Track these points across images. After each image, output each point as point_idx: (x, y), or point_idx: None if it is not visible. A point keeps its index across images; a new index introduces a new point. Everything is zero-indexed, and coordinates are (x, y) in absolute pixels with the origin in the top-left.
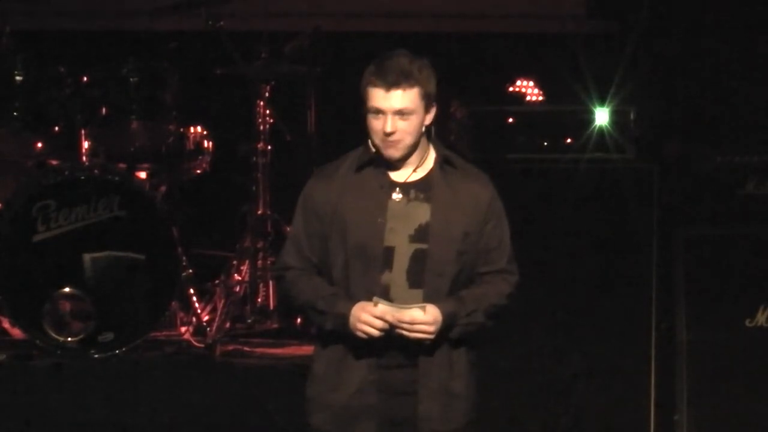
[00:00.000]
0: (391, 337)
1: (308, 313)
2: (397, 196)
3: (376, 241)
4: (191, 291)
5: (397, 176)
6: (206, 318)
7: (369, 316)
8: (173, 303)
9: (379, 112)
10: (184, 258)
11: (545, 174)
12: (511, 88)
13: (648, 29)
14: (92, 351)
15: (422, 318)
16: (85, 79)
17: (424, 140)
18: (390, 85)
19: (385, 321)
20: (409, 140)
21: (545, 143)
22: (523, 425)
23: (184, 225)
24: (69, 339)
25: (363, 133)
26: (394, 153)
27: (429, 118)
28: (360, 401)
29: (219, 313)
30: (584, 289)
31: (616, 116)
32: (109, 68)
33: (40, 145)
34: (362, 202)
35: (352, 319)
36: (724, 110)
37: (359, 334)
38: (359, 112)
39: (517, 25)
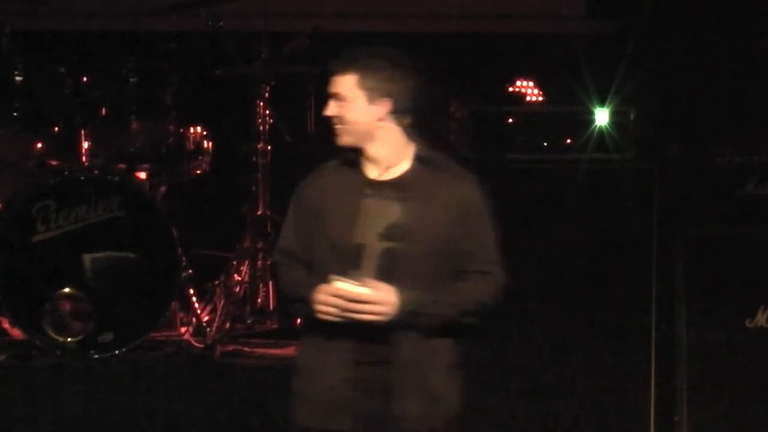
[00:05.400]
0: (368, 330)
1: (291, 304)
2: (371, 193)
3: (347, 238)
4: (191, 291)
5: (374, 174)
6: (206, 318)
7: (324, 295)
8: (173, 303)
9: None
10: (183, 258)
11: (545, 174)
12: (511, 88)
13: (648, 29)
14: (92, 351)
15: (369, 296)
16: (85, 79)
17: (398, 137)
18: (332, 69)
19: (338, 297)
20: (348, 127)
21: (545, 143)
22: (523, 425)
23: (184, 225)
24: (69, 339)
25: None
26: (339, 139)
27: (378, 112)
28: (336, 396)
29: (219, 313)
30: (584, 289)
31: (616, 116)
32: (109, 68)
33: (40, 145)
34: (339, 199)
35: (312, 301)
36: (724, 110)
37: (320, 315)
38: None
39: (517, 25)
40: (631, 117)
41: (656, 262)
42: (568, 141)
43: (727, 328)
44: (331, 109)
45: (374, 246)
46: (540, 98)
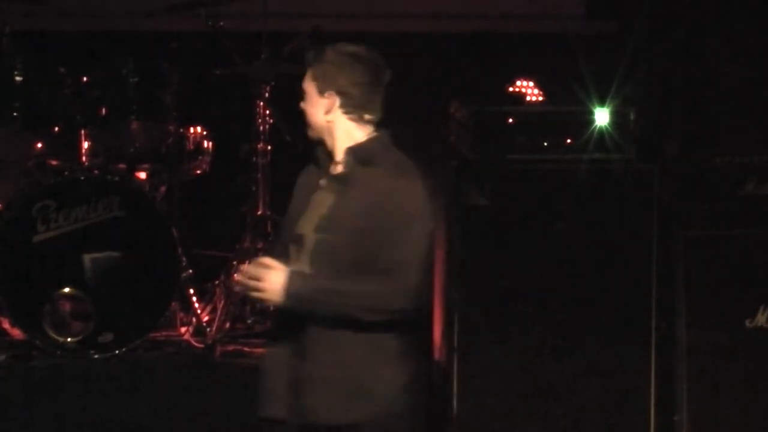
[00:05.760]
0: (300, 324)
1: None
2: (322, 187)
3: (293, 228)
4: (191, 291)
5: (330, 168)
6: (206, 318)
7: (238, 275)
8: (173, 303)
9: None
10: (184, 258)
11: (545, 175)
12: (511, 88)
13: (648, 29)
14: (92, 351)
15: (259, 275)
16: (85, 79)
17: (353, 133)
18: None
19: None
20: (308, 119)
21: (545, 143)
22: (523, 425)
23: (184, 225)
24: (69, 339)
25: None
26: (308, 132)
27: (327, 105)
28: (272, 387)
29: (219, 313)
30: (584, 289)
31: (616, 116)
32: (109, 68)
33: (40, 145)
34: (301, 191)
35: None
36: (723, 110)
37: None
38: None
39: (517, 25)
40: (631, 117)
41: (656, 262)
42: (568, 141)
43: (727, 328)
44: (302, 102)
45: (310, 237)
46: (540, 98)
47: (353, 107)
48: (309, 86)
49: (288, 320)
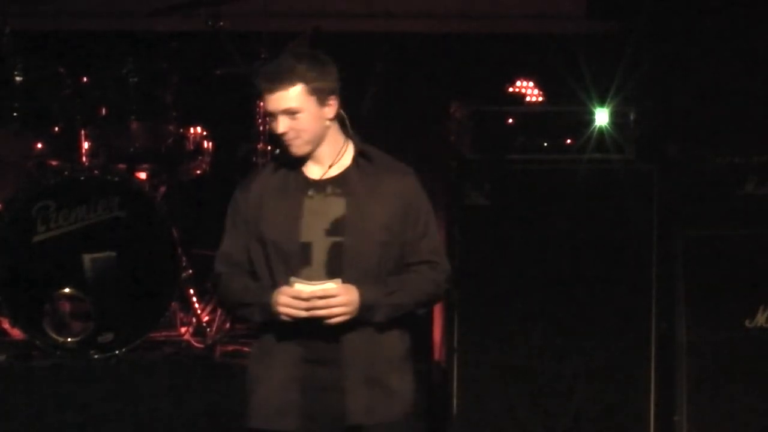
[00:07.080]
0: (317, 329)
1: (239, 310)
2: (313, 193)
3: (292, 237)
4: (191, 291)
5: (314, 173)
6: (206, 318)
7: (286, 297)
8: (173, 303)
9: (270, 114)
10: (184, 258)
11: (545, 174)
12: (511, 88)
13: (648, 29)
14: (92, 351)
15: (335, 291)
16: (85, 79)
17: (337, 135)
18: (272, 87)
19: (302, 299)
20: (305, 136)
21: (545, 143)
22: (523, 425)
23: (184, 225)
24: (69, 339)
25: (360, 132)
26: (296, 150)
27: (329, 112)
28: (282, 397)
29: (219, 313)
30: (584, 289)
31: (616, 116)
32: (109, 68)
33: (40, 145)
34: (279, 201)
35: (272, 304)
36: (723, 110)
37: (283, 317)
38: (358, 111)
39: (517, 25)
40: (631, 117)
41: (656, 262)
42: (568, 141)
43: (727, 328)
44: (284, 125)
45: (321, 243)
46: (540, 98)
47: (341, 106)
48: (305, 102)
49: (288, 329)
